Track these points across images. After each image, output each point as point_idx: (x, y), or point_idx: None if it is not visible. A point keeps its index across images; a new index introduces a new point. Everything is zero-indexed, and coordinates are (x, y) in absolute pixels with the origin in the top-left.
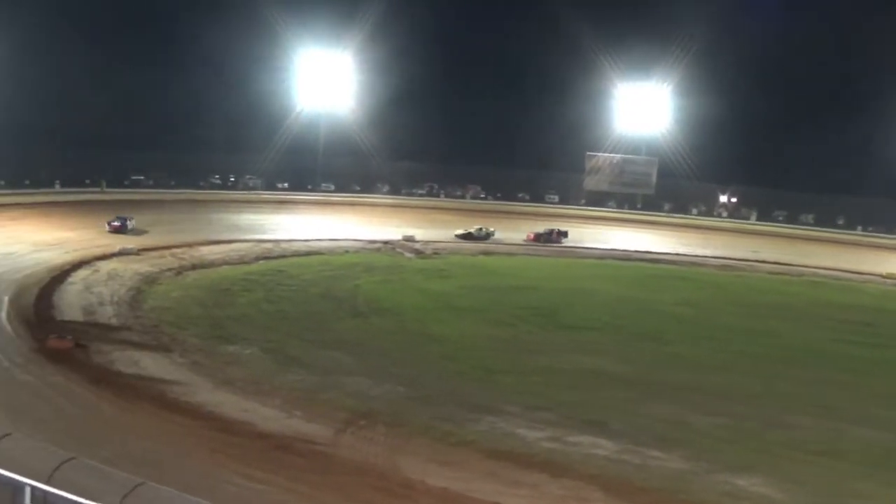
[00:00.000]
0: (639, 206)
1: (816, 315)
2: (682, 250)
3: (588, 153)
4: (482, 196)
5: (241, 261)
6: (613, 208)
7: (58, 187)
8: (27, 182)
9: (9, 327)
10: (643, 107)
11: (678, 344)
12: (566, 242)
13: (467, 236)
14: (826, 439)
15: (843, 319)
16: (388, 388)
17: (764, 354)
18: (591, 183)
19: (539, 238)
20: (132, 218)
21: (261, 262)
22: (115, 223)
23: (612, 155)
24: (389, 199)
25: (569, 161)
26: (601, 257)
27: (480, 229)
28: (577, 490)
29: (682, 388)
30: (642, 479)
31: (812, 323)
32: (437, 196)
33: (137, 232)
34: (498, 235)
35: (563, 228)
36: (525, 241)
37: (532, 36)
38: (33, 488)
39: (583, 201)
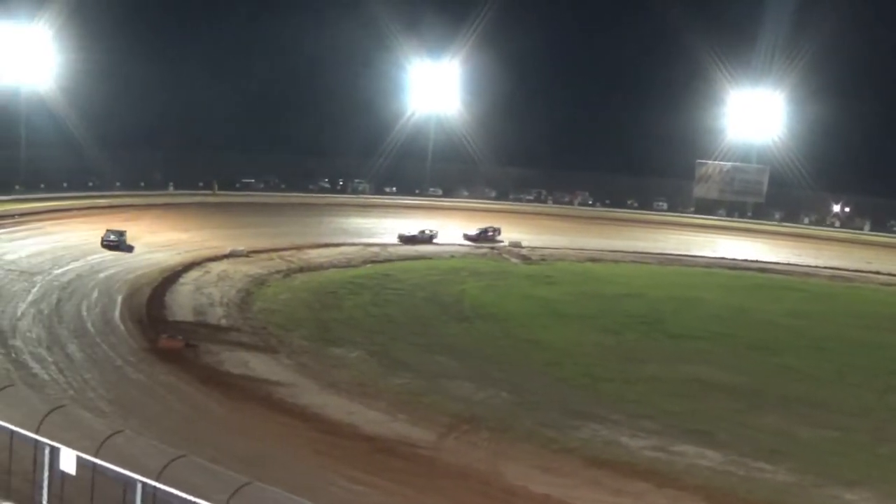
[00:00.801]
0: (749, 214)
1: None
2: (793, 260)
3: (698, 161)
4: (590, 202)
5: (349, 264)
6: (723, 216)
7: (171, 189)
8: (142, 184)
9: (122, 327)
10: (755, 114)
11: (788, 355)
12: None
13: (411, 239)
14: None
15: None
16: (492, 394)
17: (876, 367)
18: (700, 191)
19: (478, 238)
20: (125, 232)
21: (368, 265)
22: (111, 238)
23: (722, 163)
24: (497, 205)
25: (679, 168)
26: (709, 266)
27: (423, 231)
28: (681, 500)
29: (791, 400)
30: (747, 490)
31: None
32: (545, 202)
33: (252, 234)
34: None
35: (496, 226)
36: (464, 238)
37: (643, 42)
38: (144, 484)
39: (692, 209)
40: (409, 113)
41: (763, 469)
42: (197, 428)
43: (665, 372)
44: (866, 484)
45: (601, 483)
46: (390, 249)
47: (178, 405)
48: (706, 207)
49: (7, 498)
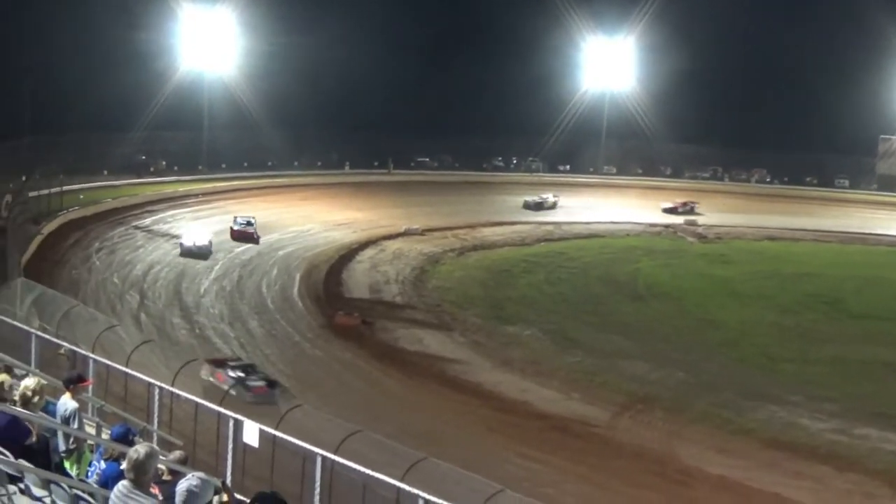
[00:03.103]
0: None
1: None
2: None
3: (882, 136)
4: (767, 180)
5: (522, 242)
6: None
7: (347, 168)
8: (319, 163)
9: (300, 304)
10: None
11: None
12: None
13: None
14: None
15: None
16: (667, 373)
17: None
18: (883, 167)
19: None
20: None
21: (541, 244)
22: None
23: None
24: (672, 183)
25: (861, 144)
26: (894, 245)
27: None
28: (863, 485)
29: None
30: None
31: None
32: (721, 179)
33: (426, 213)
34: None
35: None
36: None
37: (820, 16)
38: (323, 458)
39: (875, 186)
40: (582, 90)
41: None
42: (373, 403)
43: (846, 353)
44: None
45: (779, 465)
46: (564, 228)
47: (354, 381)
48: (890, 184)
49: (193, 467)
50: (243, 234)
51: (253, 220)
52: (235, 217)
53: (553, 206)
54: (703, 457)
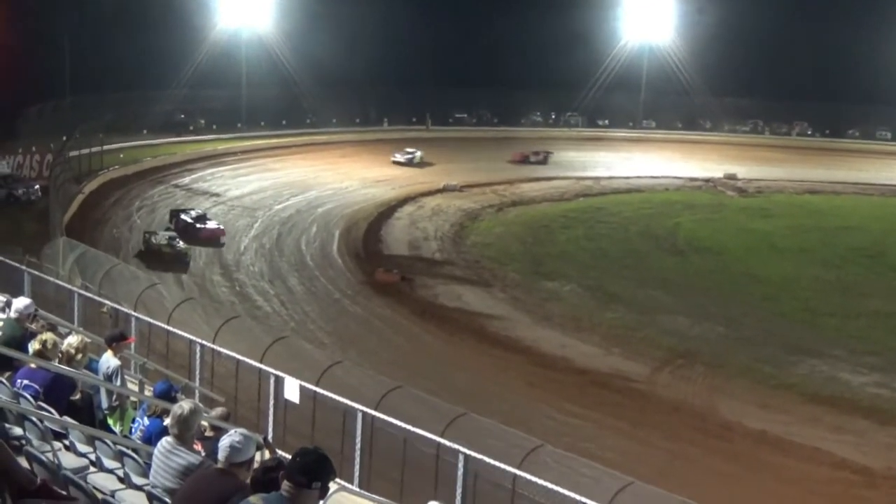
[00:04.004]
0: None
1: None
2: None
3: None
4: (809, 132)
5: (561, 198)
6: None
7: (385, 125)
8: (357, 120)
9: (339, 261)
10: None
11: None
12: None
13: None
14: None
15: None
16: (708, 328)
17: None
18: None
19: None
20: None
21: (580, 199)
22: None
23: None
24: (712, 136)
25: None
26: None
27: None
28: None
29: None
30: None
31: None
32: (762, 133)
33: (465, 169)
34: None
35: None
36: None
37: None
38: (363, 413)
39: None
40: (621, 43)
41: None
42: (413, 359)
43: (889, 307)
44: None
45: (820, 420)
46: (603, 183)
47: (394, 337)
48: None
49: (235, 424)
50: (213, 234)
51: (205, 212)
52: (179, 213)
53: (420, 161)
54: (743, 411)
